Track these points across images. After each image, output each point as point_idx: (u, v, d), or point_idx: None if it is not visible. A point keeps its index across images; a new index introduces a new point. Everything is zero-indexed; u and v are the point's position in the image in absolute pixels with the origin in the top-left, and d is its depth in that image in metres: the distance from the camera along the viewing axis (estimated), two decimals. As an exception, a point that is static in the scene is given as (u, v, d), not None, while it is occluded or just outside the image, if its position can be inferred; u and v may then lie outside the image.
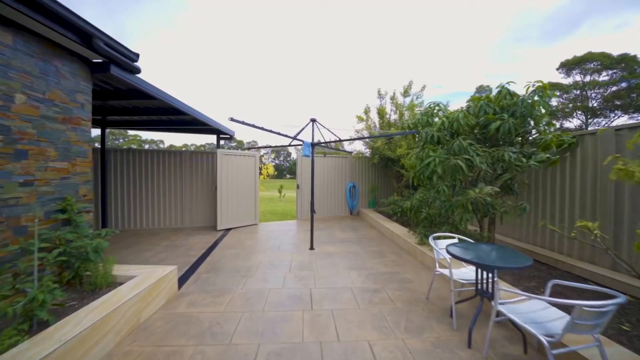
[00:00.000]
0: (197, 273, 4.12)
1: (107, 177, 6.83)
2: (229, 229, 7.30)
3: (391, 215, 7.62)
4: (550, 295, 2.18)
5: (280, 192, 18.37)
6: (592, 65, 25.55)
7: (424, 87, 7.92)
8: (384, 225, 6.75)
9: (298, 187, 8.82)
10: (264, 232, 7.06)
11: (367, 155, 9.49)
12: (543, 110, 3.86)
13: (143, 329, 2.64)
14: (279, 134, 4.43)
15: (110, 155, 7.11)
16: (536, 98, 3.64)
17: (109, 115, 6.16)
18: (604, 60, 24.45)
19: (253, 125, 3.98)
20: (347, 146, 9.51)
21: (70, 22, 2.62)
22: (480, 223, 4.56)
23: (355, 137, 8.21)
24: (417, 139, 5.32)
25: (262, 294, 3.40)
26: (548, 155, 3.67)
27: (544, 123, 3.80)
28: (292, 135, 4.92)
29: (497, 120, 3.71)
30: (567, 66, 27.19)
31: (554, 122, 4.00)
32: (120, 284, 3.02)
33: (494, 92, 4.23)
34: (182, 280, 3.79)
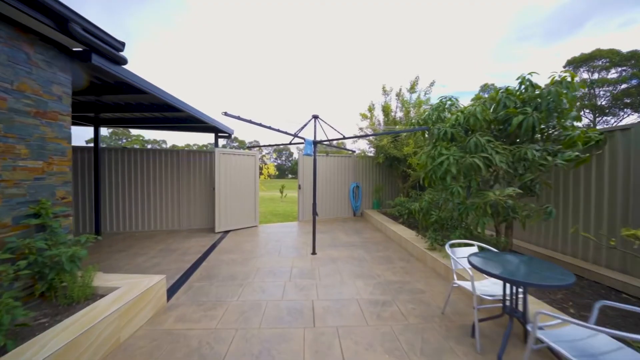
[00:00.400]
0: (189, 281, 3.81)
1: (100, 178, 6.55)
2: (228, 231, 7.00)
3: (397, 217, 7.28)
4: (593, 319, 1.83)
5: (281, 192, 18.07)
6: (600, 63, 24.97)
7: (432, 83, 7.55)
8: (390, 228, 6.41)
9: (300, 187, 8.50)
10: (264, 235, 6.74)
11: (372, 154, 9.14)
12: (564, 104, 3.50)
13: (123, 350, 2.33)
14: (278, 130, 4.11)
15: (104, 154, 6.83)
16: (564, 90, 3.27)
17: (102, 113, 5.87)
18: (612, 57, 23.86)
19: (250, 121, 3.66)
20: (350, 145, 9.18)
21: (39, 1, 2.31)
22: (496, 227, 4.20)
23: (360, 134, 7.85)
24: (427, 136, 4.98)
25: (259, 306, 3.08)
26: (577, 153, 3.31)
27: (571, 117, 3.43)
28: (293, 133, 4.59)
29: (520, 114, 3.36)
30: (574, 64, 26.59)
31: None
32: (102, 296, 2.72)
33: (499, 85, 3.87)
34: (172, 290, 3.48)
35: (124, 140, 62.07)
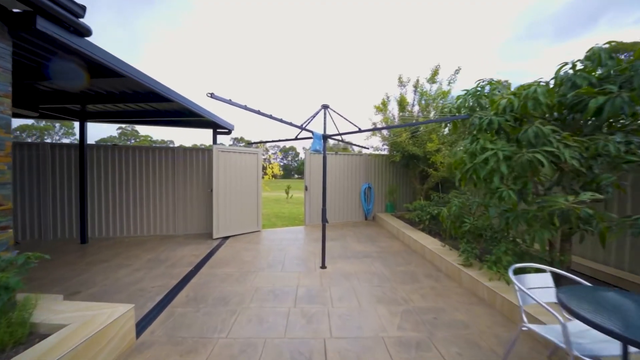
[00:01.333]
0: (172, 305, 3.10)
1: (87, 178, 5.93)
2: (227, 237, 6.31)
3: (415, 222, 6.46)
4: None
5: (287, 193, 17.38)
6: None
7: (458, 70, 6.65)
8: (409, 236, 5.60)
9: (306, 188, 7.76)
10: (267, 242, 6.02)
11: (385, 152, 8.34)
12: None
13: None
14: (281, 120, 3.38)
15: (92, 152, 6.22)
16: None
17: (87, 104, 5.24)
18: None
19: (245, 107, 2.94)
20: (363, 141, 8.36)
21: None
22: (551, 240, 3.38)
23: (378, 127, 7.02)
24: (459, 128, 4.17)
25: (254, 348, 2.34)
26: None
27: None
28: (300, 125, 3.85)
29: (598, 95, 2.54)
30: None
31: None
32: (43, 337, 2.02)
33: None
34: (147, 320, 2.77)
35: (133, 141, 62.47)
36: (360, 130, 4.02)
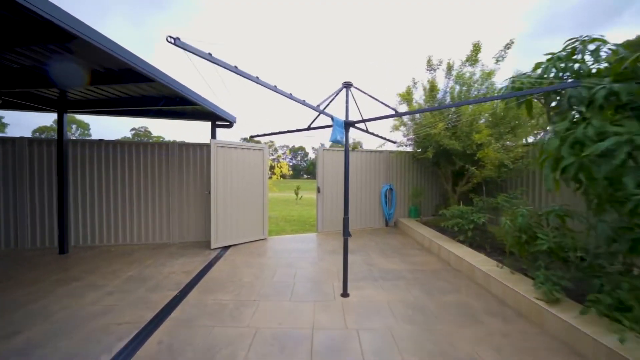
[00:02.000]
0: (136, 358, 2.16)
1: (67, 178, 5.14)
2: (228, 247, 5.40)
3: (447, 230, 5.30)
4: None
5: (297, 193, 16.44)
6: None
7: (509, 45, 5.29)
8: (448, 250, 4.50)
9: (319, 190, 6.76)
10: (273, 254, 5.06)
11: (409, 148, 7.21)
12: None
13: None
14: (290, 96, 2.36)
15: (75, 149, 5.43)
16: None
17: (66, 90, 4.42)
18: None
19: (235, 69, 1.91)
20: (387, 133, 7.22)
21: None
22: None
23: (420, 109, 5.82)
24: (537, 107, 3.06)
25: None
26: None
27: None
28: (316, 106, 2.85)
29: None
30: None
31: None
32: None
33: None
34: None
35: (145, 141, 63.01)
36: (397, 114, 2.98)
